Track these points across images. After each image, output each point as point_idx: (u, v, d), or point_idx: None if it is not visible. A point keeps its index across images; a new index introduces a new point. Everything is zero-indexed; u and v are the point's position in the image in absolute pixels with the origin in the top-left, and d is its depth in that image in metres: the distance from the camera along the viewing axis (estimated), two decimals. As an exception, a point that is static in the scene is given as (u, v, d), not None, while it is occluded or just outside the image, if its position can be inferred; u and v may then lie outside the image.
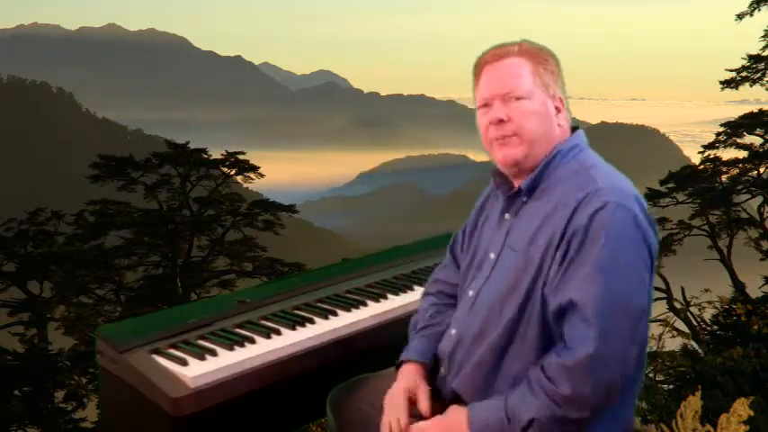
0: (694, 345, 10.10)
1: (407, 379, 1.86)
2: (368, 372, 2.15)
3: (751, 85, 17.00)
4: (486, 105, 1.80)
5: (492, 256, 1.83)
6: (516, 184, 1.83)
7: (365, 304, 2.26)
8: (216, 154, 18.84)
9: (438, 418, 1.73)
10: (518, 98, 1.76)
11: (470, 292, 1.85)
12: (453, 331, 1.85)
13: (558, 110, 1.80)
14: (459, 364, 1.80)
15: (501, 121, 1.76)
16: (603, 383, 1.58)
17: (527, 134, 1.75)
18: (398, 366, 1.92)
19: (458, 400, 1.80)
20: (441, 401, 1.84)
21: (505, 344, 1.72)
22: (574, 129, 1.85)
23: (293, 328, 2.07)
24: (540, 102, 1.77)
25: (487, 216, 1.95)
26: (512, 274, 1.74)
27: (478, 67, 1.85)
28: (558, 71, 1.83)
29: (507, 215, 1.83)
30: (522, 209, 1.80)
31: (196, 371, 1.84)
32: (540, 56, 1.81)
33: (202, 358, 1.89)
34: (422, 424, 1.74)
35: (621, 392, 1.66)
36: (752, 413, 2.71)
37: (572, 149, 1.79)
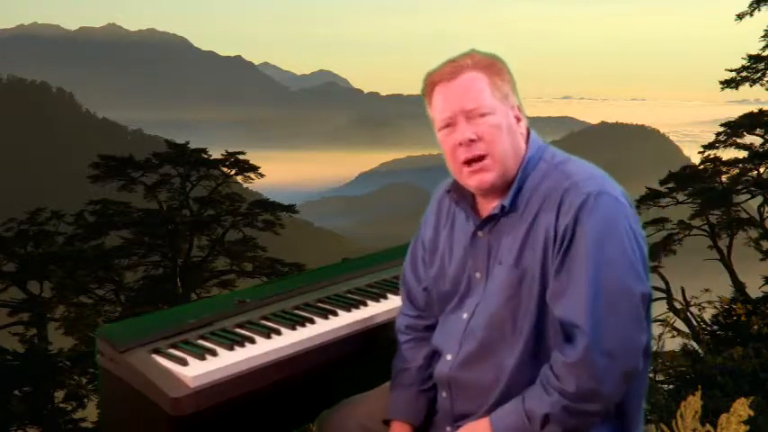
0: (694, 345, 10.09)
1: None
2: (367, 373, 2.15)
3: (751, 85, 17.02)
4: (448, 126, 1.73)
5: (478, 275, 1.80)
6: (483, 201, 1.79)
7: (365, 304, 2.26)
8: (216, 154, 18.86)
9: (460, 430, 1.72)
10: (482, 114, 1.70)
11: (464, 315, 1.80)
12: (449, 356, 1.81)
13: (518, 119, 1.76)
14: (465, 386, 1.78)
15: (471, 142, 1.69)
16: (610, 375, 1.58)
17: (498, 153, 1.70)
18: (388, 421, 1.91)
19: (463, 418, 1.79)
20: None
21: (525, 358, 1.70)
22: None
23: (293, 328, 2.07)
24: (503, 115, 1.72)
25: (450, 234, 1.89)
26: (507, 289, 1.71)
27: (430, 86, 1.77)
28: (512, 79, 1.77)
29: (480, 233, 1.79)
30: (498, 224, 1.76)
31: (196, 371, 1.84)
32: (493, 67, 1.75)
33: (202, 358, 1.89)
34: None
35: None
36: (752, 413, 2.71)
37: (537, 151, 1.77)
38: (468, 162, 1.71)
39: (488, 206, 1.78)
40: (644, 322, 1.64)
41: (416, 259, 2.00)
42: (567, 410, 1.59)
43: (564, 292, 1.62)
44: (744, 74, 17.01)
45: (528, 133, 1.79)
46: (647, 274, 1.66)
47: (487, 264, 1.77)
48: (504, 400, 1.71)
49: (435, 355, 1.90)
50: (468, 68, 1.73)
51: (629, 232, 1.64)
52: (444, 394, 1.84)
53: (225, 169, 18.80)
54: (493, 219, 1.76)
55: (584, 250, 1.60)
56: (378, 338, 2.18)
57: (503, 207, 1.73)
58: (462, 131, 1.70)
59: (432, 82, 1.77)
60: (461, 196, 1.82)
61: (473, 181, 1.73)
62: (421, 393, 1.90)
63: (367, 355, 2.16)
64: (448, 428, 1.84)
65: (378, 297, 2.30)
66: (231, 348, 1.94)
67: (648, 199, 16.91)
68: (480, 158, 1.70)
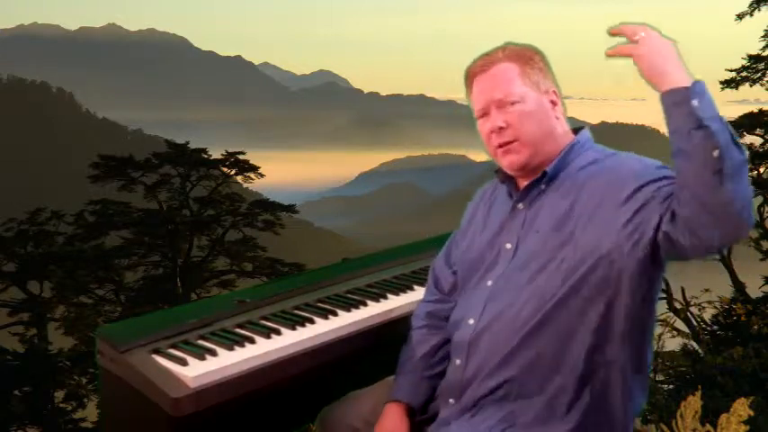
0: (694, 345, 10.10)
1: (389, 423, 1.89)
2: (367, 373, 2.15)
3: (751, 85, 17.01)
4: (483, 115, 1.85)
5: (508, 246, 1.84)
6: (523, 182, 1.86)
7: (365, 304, 2.25)
8: (216, 154, 18.88)
9: None
10: (512, 103, 1.80)
11: (488, 283, 1.84)
12: (471, 321, 1.83)
13: (553, 103, 1.85)
14: (484, 346, 1.79)
15: (501, 129, 1.81)
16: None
17: (526, 137, 1.80)
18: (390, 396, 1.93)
19: (470, 386, 1.80)
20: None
21: (549, 320, 1.72)
22: (577, 129, 1.88)
23: (293, 328, 2.07)
24: (534, 101, 1.81)
25: (487, 212, 1.96)
26: (544, 254, 1.75)
27: (469, 79, 1.89)
28: (546, 66, 1.87)
29: (521, 205, 1.85)
30: (538, 198, 1.82)
31: (196, 371, 1.84)
32: (524, 55, 1.85)
33: (202, 358, 1.89)
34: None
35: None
36: (752, 413, 2.71)
37: (586, 141, 1.86)
38: (501, 146, 1.83)
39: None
40: None
41: (451, 245, 2.08)
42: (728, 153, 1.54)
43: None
44: (744, 74, 17.00)
45: (576, 129, 1.88)
46: None
47: (519, 234, 1.83)
48: (517, 351, 1.73)
49: (444, 346, 1.93)
50: (499, 60, 1.84)
51: None
52: (459, 361, 1.84)
53: (225, 169, 18.82)
54: (534, 187, 1.82)
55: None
56: (378, 338, 2.18)
57: (545, 173, 1.80)
58: (494, 120, 1.82)
59: (470, 75, 1.89)
60: (507, 176, 1.90)
61: (505, 162, 1.83)
62: (423, 379, 1.92)
63: (367, 355, 2.16)
64: (451, 400, 1.84)
65: (378, 297, 2.30)
66: (231, 348, 1.94)
67: (648, 199, 16.87)
68: (510, 143, 1.82)
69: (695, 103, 1.52)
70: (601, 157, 1.81)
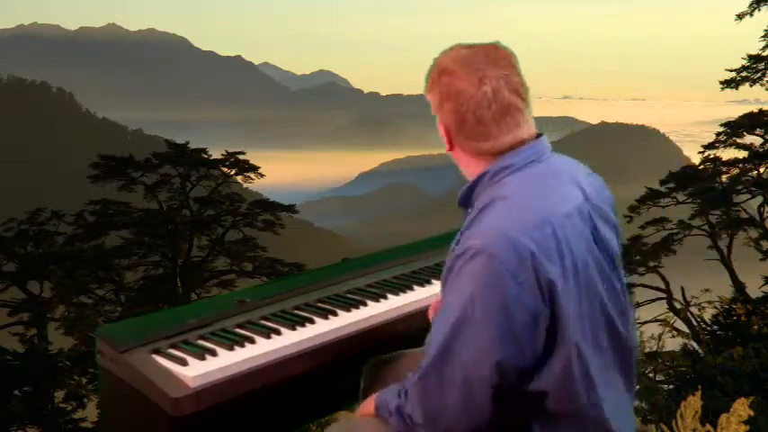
0: (694, 345, 10.12)
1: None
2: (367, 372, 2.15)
3: (751, 85, 17.03)
4: None
5: None
6: None
7: (365, 304, 2.26)
8: (216, 154, 18.86)
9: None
10: None
11: None
12: None
13: (447, 132, 1.70)
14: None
15: None
16: (428, 415, 1.61)
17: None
18: None
19: None
20: None
21: None
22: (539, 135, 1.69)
23: (293, 328, 2.07)
24: (442, 129, 1.73)
25: None
26: None
27: None
28: (445, 89, 1.65)
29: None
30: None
31: (196, 371, 1.84)
32: (430, 85, 1.69)
33: (202, 358, 1.89)
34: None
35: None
36: (752, 413, 2.71)
37: (503, 170, 1.64)
38: None
39: None
40: (488, 395, 1.54)
41: None
42: (399, 413, 1.68)
43: (434, 322, 1.64)
44: (744, 74, 17.03)
45: (490, 153, 1.66)
46: (519, 339, 1.52)
47: None
48: None
49: None
50: (427, 90, 1.72)
51: (500, 302, 1.51)
52: None
53: (225, 169, 18.80)
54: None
55: (449, 311, 1.57)
56: (378, 338, 2.18)
57: (458, 201, 1.76)
58: None
59: None
60: None
61: None
62: None
63: (367, 355, 2.16)
64: None
65: (378, 297, 2.30)
66: (231, 348, 1.94)
67: (648, 199, 16.93)
68: None
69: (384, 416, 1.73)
70: (488, 201, 1.60)
